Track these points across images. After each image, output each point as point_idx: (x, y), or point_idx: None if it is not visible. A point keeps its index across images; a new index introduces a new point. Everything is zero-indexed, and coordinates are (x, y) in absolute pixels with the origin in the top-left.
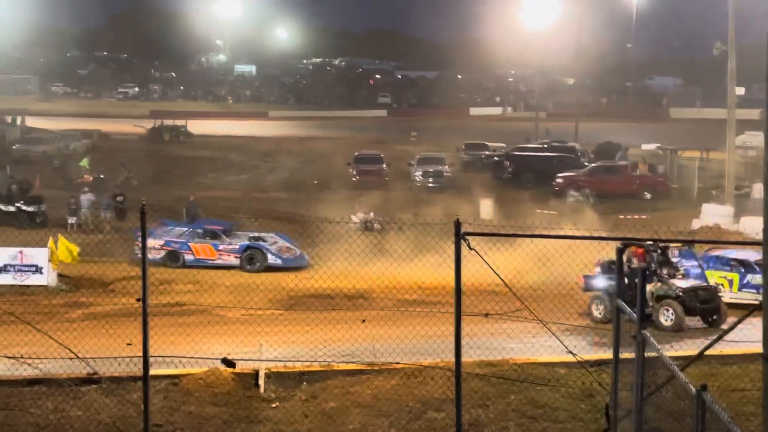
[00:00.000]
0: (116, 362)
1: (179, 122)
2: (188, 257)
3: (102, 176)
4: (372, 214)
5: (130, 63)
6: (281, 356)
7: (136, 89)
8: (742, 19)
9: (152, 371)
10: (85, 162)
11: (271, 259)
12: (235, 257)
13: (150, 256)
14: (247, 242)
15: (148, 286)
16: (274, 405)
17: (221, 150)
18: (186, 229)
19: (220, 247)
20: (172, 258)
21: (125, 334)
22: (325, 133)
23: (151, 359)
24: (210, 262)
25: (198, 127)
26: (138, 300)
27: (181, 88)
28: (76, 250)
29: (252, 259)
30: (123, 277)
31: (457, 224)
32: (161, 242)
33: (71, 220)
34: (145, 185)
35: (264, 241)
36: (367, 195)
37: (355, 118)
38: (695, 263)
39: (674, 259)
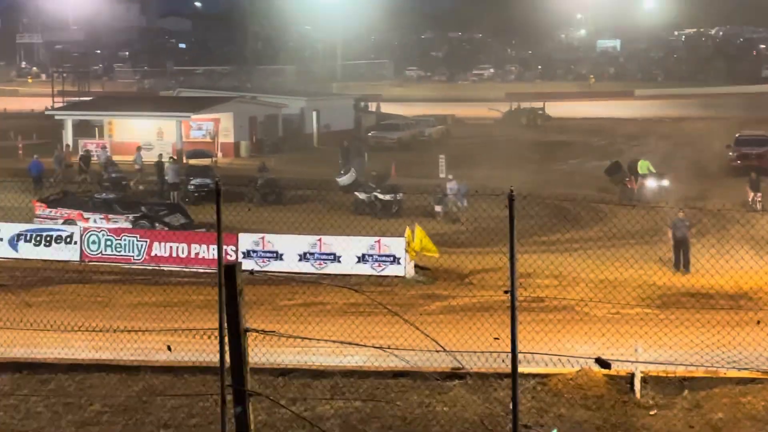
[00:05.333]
0: (482, 357)
1: (537, 104)
2: None
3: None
4: None
5: (485, 43)
6: (658, 359)
7: (492, 70)
8: None
9: (520, 368)
10: (645, 164)
11: None
12: None
13: None
14: None
15: (516, 278)
16: (652, 412)
17: (582, 133)
18: None
19: None
20: None
21: (485, 328)
22: (700, 112)
23: (519, 356)
24: None
25: (557, 109)
26: (506, 292)
27: (539, 67)
28: (433, 248)
29: None
30: (480, 270)
31: None
32: None
33: (438, 208)
34: (502, 172)
35: None
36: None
37: (736, 95)
38: None
39: None
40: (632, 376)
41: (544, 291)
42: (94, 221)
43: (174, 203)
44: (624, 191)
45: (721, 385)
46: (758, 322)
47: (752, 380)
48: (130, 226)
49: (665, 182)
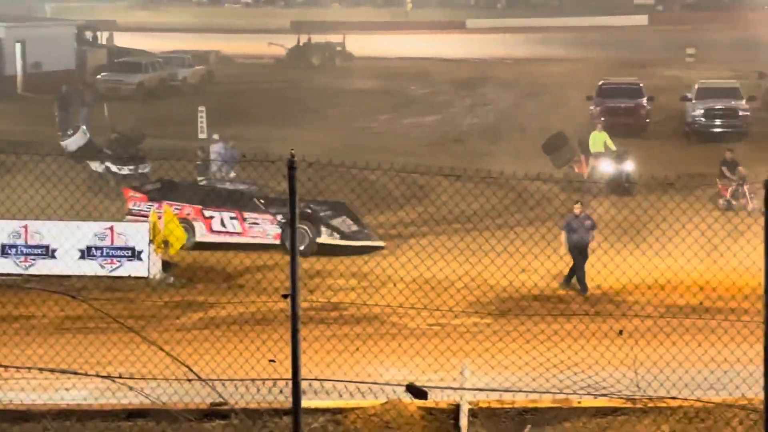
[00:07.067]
0: (252, 387)
1: (334, 38)
2: None
3: None
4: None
5: None
6: (492, 384)
7: None
8: None
9: (305, 402)
10: (601, 138)
11: None
12: None
13: None
14: None
15: (298, 278)
16: None
17: (396, 79)
18: None
19: None
20: None
21: (261, 347)
22: (554, 52)
23: (304, 384)
24: None
25: (361, 44)
26: (285, 296)
27: None
28: (183, 237)
29: None
30: (253, 267)
31: None
32: None
33: (202, 180)
34: (286, 131)
35: None
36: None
37: (600, 29)
38: None
39: None
40: (457, 408)
41: (343, 295)
42: (221, 222)
43: (337, 201)
44: (570, 177)
45: (573, 418)
46: (620, 333)
47: (614, 410)
48: (278, 231)
49: (628, 165)
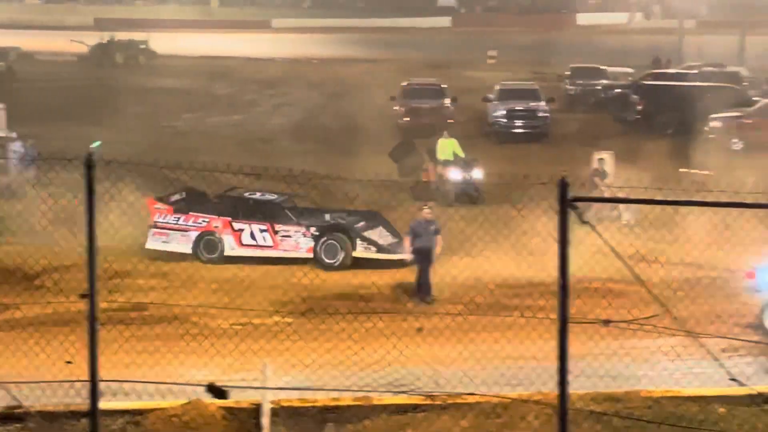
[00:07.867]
0: (49, 389)
1: (138, 36)
2: None
3: None
4: None
5: None
6: (293, 383)
7: None
8: None
9: (103, 403)
10: (449, 145)
11: None
12: None
13: None
14: None
15: (96, 278)
16: None
17: (200, 78)
18: None
19: None
20: None
21: (58, 349)
22: (359, 52)
23: (102, 385)
24: None
25: (166, 43)
26: (82, 296)
27: None
28: None
29: None
30: (56, 267)
31: (563, 185)
32: None
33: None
34: (88, 130)
35: None
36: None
37: (405, 30)
38: None
39: None
40: (259, 407)
41: (146, 296)
42: (250, 234)
43: (370, 211)
44: (417, 186)
45: (373, 416)
46: (419, 330)
47: (414, 407)
48: (311, 244)
49: (476, 173)
